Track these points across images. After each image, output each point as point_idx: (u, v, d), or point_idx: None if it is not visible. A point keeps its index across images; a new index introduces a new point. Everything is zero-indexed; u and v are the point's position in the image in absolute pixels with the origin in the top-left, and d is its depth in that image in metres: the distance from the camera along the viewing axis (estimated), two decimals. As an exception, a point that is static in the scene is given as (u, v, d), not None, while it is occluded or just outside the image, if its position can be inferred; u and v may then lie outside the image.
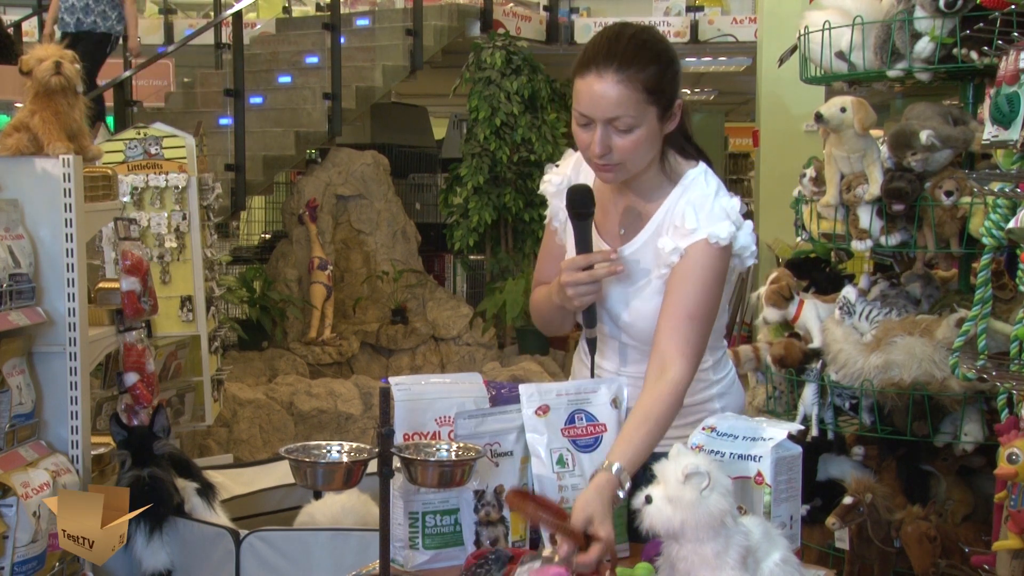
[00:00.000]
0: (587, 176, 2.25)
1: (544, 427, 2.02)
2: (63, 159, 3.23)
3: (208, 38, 9.12)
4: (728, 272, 2.16)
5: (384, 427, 1.80)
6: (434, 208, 9.60)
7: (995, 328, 2.77)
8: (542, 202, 2.41)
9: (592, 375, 2.26)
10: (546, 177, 2.35)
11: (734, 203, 2.14)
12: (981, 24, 2.73)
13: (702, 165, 2.21)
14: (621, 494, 1.88)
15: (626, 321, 2.21)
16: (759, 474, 1.90)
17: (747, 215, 2.18)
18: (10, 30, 8.31)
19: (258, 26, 10.17)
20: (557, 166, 2.34)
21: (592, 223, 2.18)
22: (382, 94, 9.16)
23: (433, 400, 2.04)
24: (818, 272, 3.62)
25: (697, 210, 2.12)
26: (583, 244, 2.16)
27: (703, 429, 2.01)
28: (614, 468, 1.89)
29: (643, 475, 1.84)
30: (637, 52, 2.05)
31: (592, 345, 2.24)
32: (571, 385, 2.10)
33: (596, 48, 2.07)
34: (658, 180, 2.20)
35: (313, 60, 8.98)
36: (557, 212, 2.31)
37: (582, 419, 2.07)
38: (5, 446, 3.03)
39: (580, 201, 2.16)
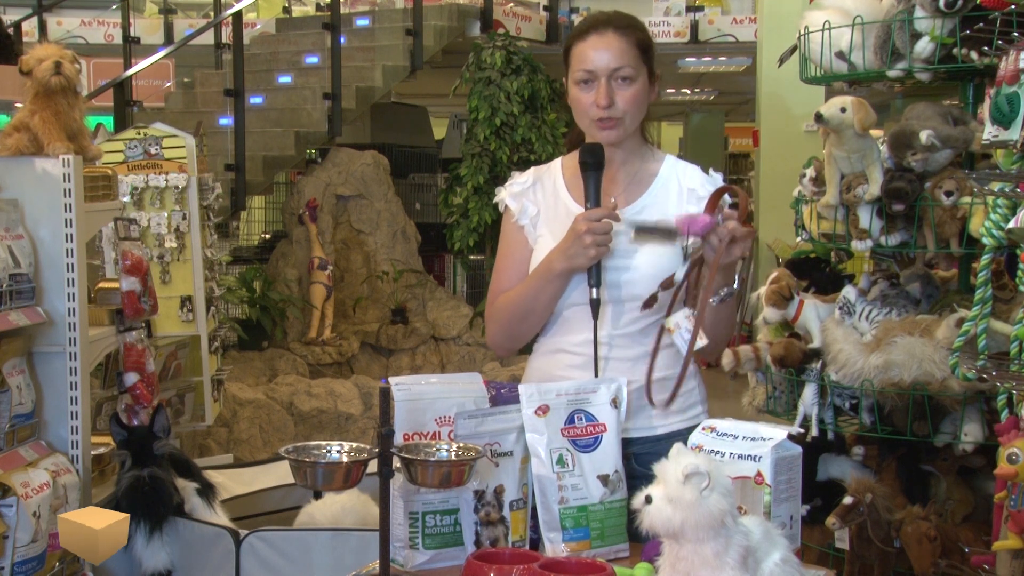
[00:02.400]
0: (549, 182, 2.45)
1: (544, 427, 2.02)
2: (63, 159, 3.23)
3: (208, 38, 9.10)
4: None
5: (384, 427, 1.79)
6: (434, 208, 9.60)
7: (995, 328, 2.76)
8: None
9: (595, 340, 2.30)
10: (506, 186, 2.50)
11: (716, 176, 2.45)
12: (981, 24, 2.73)
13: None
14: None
15: (630, 274, 2.33)
16: (759, 474, 1.90)
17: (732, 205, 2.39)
18: (10, 30, 8.30)
19: (258, 26, 10.16)
20: (519, 173, 2.52)
21: (602, 175, 2.32)
22: (382, 94, 9.15)
23: (433, 400, 2.04)
24: (818, 272, 3.62)
25: (704, 179, 2.40)
26: (595, 196, 2.30)
27: (703, 429, 2.01)
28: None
29: (642, 475, 1.84)
30: (628, 19, 2.37)
31: (596, 307, 2.30)
32: (571, 385, 2.11)
33: (591, 18, 2.37)
34: (645, 149, 2.45)
35: (313, 60, 8.97)
36: (526, 209, 2.45)
37: (582, 419, 2.07)
38: (5, 446, 3.03)
39: (595, 151, 2.31)
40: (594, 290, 2.29)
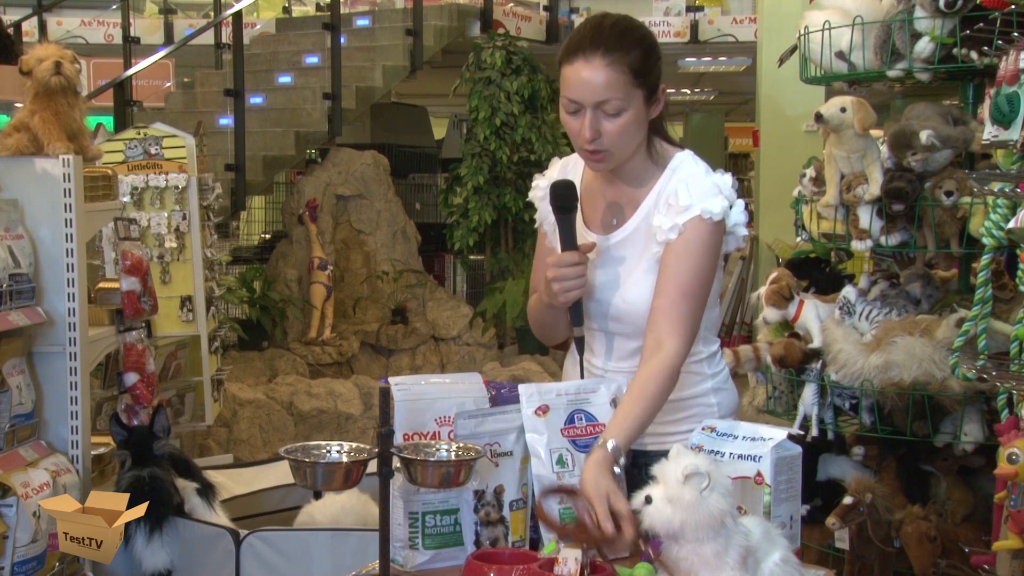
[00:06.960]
0: (574, 177, 2.27)
1: (544, 427, 2.02)
2: (63, 159, 3.23)
3: (208, 38, 9.10)
4: (721, 250, 2.17)
5: (384, 427, 1.79)
6: (434, 208, 9.60)
7: (995, 328, 2.77)
8: None
9: (582, 374, 2.27)
10: (535, 183, 2.36)
11: (726, 179, 2.16)
12: (981, 24, 2.73)
13: (688, 151, 2.23)
14: (617, 470, 1.88)
15: (617, 308, 2.21)
16: (759, 474, 1.90)
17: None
18: (10, 30, 8.30)
19: (258, 26, 10.16)
20: (543, 175, 2.36)
21: (575, 217, 2.20)
22: (382, 94, 9.14)
23: (433, 400, 2.04)
24: (818, 272, 3.62)
25: (690, 187, 2.13)
26: (568, 238, 2.18)
27: (703, 429, 2.01)
28: (609, 445, 1.90)
29: (641, 476, 1.84)
30: (622, 37, 2.09)
31: (580, 344, 2.25)
32: (571, 385, 2.10)
33: (581, 36, 2.11)
34: (646, 166, 2.21)
35: (313, 60, 8.97)
36: (546, 215, 2.32)
37: (581, 419, 2.07)
38: (5, 446, 3.03)
39: (563, 195, 2.19)
40: (576, 329, 2.23)
